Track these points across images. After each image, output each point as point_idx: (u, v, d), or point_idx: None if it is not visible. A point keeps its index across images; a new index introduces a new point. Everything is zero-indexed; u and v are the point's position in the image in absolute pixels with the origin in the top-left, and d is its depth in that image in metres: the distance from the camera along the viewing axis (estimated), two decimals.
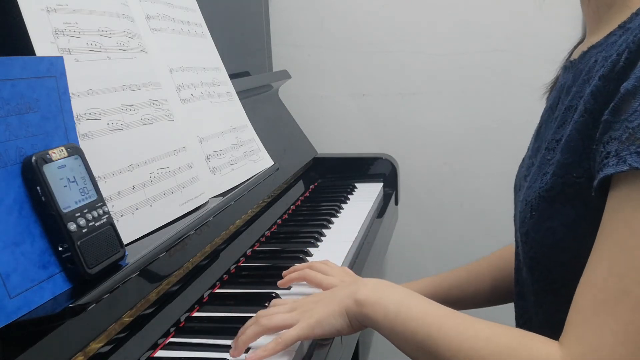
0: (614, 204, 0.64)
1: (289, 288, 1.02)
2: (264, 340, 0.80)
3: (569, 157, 0.71)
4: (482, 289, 1.06)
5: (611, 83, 0.66)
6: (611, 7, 0.75)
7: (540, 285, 0.78)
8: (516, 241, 0.86)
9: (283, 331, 0.78)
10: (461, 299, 1.07)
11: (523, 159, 0.91)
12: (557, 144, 0.74)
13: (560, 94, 0.79)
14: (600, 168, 0.64)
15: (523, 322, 0.87)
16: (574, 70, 0.78)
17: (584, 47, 0.78)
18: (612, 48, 0.69)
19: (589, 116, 0.68)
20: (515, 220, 0.87)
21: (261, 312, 0.83)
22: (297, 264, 1.04)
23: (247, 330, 0.79)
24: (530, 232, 0.76)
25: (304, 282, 1.03)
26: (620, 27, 0.71)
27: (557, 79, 0.90)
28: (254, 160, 1.26)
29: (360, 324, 0.78)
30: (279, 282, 1.01)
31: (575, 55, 0.80)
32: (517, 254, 0.86)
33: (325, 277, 0.99)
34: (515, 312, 0.90)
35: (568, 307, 0.66)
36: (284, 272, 1.02)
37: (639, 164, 0.60)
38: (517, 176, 0.90)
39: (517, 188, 0.88)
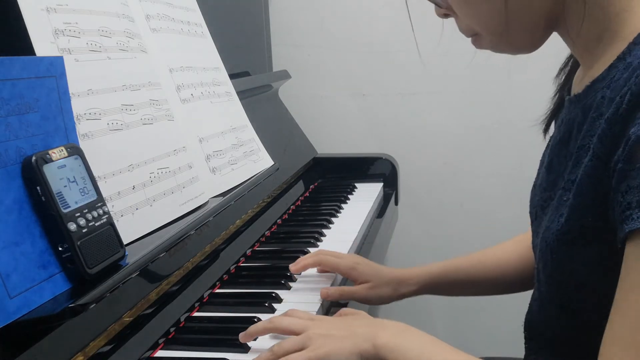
0: (634, 254, 0.62)
1: (289, 288, 1.02)
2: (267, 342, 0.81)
3: (581, 201, 0.70)
4: (492, 277, 1.07)
5: (616, 126, 0.65)
6: (601, 40, 0.73)
7: (572, 324, 0.76)
8: (538, 276, 0.83)
9: (289, 356, 0.75)
10: (471, 285, 1.08)
11: (534, 186, 0.89)
12: (572, 185, 0.73)
13: (572, 129, 0.78)
14: (623, 220, 0.63)
15: (541, 348, 0.84)
16: (581, 105, 0.76)
17: (586, 81, 0.76)
18: (617, 87, 0.68)
19: (597, 160, 0.68)
20: (533, 249, 0.86)
21: (276, 320, 0.81)
22: (308, 254, 1.06)
23: (260, 356, 0.77)
24: (554, 275, 0.75)
25: (305, 284, 1.03)
26: (619, 58, 0.70)
27: (554, 111, 0.89)
28: (254, 160, 1.26)
29: None
30: (292, 268, 1.03)
31: (578, 88, 0.78)
32: (540, 284, 0.83)
33: (341, 260, 1.03)
34: (528, 337, 0.88)
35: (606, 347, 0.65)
36: (292, 265, 1.04)
37: None
38: (531, 203, 0.89)
39: (533, 216, 0.86)
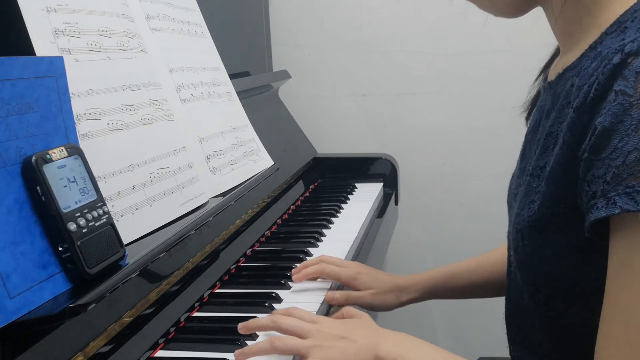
0: (617, 250, 0.62)
1: (289, 288, 1.02)
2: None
3: (554, 190, 0.70)
4: (490, 280, 1.07)
5: (584, 115, 0.66)
6: (579, 25, 0.74)
7: (542, 311, 0.76)
8: (509, 261, 0.85)
9: None
10: (470, 289, 1.09)
11: (513, 175, 0.90)
12: (541, 172, 0.74)
13: (542, 116, 0.79)
14: (589, 209, 0.63)
15: (521, 338, 0.85)
16: (552, 92, 0.77)
17: (559, 68, 0.77)
18: (585, 75, 0.68)
19: (567, 149, 0.68)
20: (508, 238, 0.86)
21: (279, 317, 0.81)
22: (310, 259, 1.05)
23: (259, 345, 0.78)
24: (524, 261, 0.76)
25: (304, 284, 1.03)
26: (591, 47, 0.71)
27: (535, 98, 0.90)
28: (254, 160, 1.26)
29: None
30: (294, 277, 1.02)
31: (552, 76, 0.79)
32: (510, 272, 0.85)
33: (342, 270, 1.02)
34: (510, 327, 0.88)
35: (573, 331, 0.66)
36: (294, 271, 1.03)
37: (630, 206, 0.59)
38: (508, 192, 0.90)
39: (509, 205, 0.87)
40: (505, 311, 0.88)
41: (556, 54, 0.87)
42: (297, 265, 1.07)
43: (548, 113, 0.76)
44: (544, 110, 0.78)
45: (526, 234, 0.74)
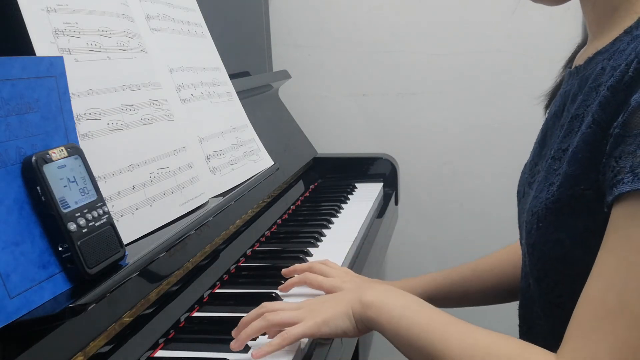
0: (617, 219, 0.63)
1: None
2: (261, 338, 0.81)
3: (576, 169, 0.70)
4: (486, 287, 1.05)
5: (620, 94, 0.65)
6: (615, 11, 0.74)
7: (547, 298, 0.77)
8: (522, 250, 0.85)
9: (288, 328, 0.79)
10: (464, 297, 1.07)
11: (525, 165, 0.89)
12: (563, 154, 0.73)
13: (566, 101, 0.78)
14: (614, 184, 0.63)
15: (526, 329, 0.86)
16: (579, 77, 0.76)
17: (588, 53, 0.76)
18: (620, 57, 0.68)
19: (597, 127, 0.68)
20: (520, 228, 0.86)
21: (267, 304, 0.83)
22: (297, 265, 1.04)
23: (252, 324, 0.80)
24: (537, 244, 0.75)
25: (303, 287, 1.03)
26: (626, 32, 0.71)
27: (558, 86, 0.89)
28: (254, 160, 1.26)
29: (366, 327, 0.79)
30: (280, 287, 1.00)
31: (580, 61, 0.79)
32: (523, 262, 0.84)
33: (326, 279, 0.99)
34: (520, 319, 0.89)
35: None
36: (284, 271, 1.02)
37: None
38: (520, 182, 0.89)
39: (521, 194, 0.87)
40: (519, 303, 0.88)
41: (581, 46, 0.86)
42: (297, 265, 1.07)
43: (574, 97, 0.76)
44: (569, 95, 0.78)
45: (542, 217, 0.74)
